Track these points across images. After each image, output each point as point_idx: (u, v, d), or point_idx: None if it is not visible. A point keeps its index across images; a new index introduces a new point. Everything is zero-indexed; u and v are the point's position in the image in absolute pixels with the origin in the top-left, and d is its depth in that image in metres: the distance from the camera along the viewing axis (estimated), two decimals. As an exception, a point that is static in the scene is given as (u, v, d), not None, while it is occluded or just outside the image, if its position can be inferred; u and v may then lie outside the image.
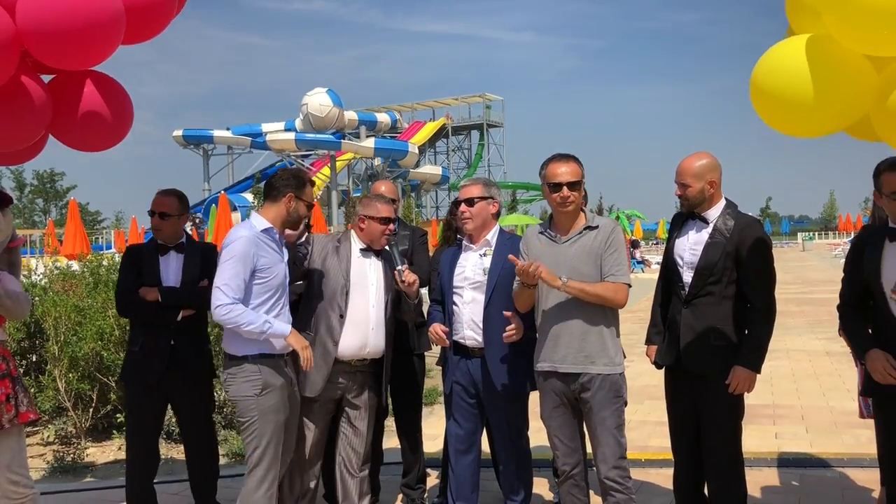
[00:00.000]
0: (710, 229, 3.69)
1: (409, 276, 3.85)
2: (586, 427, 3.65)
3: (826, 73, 2.88)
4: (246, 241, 3.54)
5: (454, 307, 3.86)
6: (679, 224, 3.87)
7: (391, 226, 3.95)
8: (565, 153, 3.66)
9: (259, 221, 3.65)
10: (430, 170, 61.58)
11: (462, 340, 3.84)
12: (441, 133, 70.50)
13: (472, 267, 3.84)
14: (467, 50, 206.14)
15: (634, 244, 35.30)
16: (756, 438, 5.83)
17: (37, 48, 3.09)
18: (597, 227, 3.57)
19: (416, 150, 55.27)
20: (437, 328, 3.92)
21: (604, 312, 3.53)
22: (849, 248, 3.70)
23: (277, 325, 3.55)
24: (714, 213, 3.71)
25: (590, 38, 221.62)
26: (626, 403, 3.59)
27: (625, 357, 3.67)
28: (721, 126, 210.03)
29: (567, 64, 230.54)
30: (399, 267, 3.87)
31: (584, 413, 3.57)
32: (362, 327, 3.86)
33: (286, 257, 3.74)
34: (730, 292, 3.64)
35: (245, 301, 3.52)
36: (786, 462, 5.30)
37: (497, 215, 3.95)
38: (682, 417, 3.82)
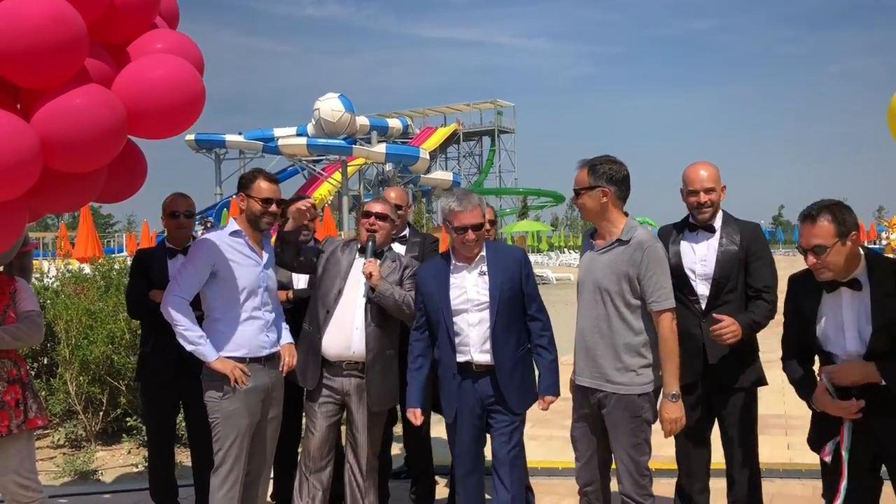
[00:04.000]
0: (716, 238, 3.67)
1: (366, 268, 3.80)
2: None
3: None
4: (203, 245, 3.70)
5: (460, 330, 3.65)
6: (672, 237, 3.79)
7: (372, 218, 3.95)
8: (584, 160, 3.52)
9: (230, 225, 3.81)
10: (441, 175, 61.63)
11: (471, 360, 3.64)
12: (452, 139, 70.65)
13: (473, 288, 3.64)
14: (479, 56, 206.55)
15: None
16: (768, 448, 5.76)
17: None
18: (627, 241, 3.39)
19: (428, 156, 55.37)
20: (417, 416, 3.71)
21: (627, 328, 3.38)
22: None
23: (207, 349, 3.60)
24: (719, 221, 3.72)
25: (602, 45, 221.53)
26: (650, 422, 3.45)
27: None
28: (734, 133, 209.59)
29: (579, 70, 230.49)
30: (366, 258, 3.86)
31: (607, 428, 3.48)
32: (346, 328, 3.85)
33: (265, 262, 3.82)
34: (743, 299, 3.68)
35: (210, 303, 3.69)
36: (798, 473, 5.26)
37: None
38: (696, 430, 3.79)
